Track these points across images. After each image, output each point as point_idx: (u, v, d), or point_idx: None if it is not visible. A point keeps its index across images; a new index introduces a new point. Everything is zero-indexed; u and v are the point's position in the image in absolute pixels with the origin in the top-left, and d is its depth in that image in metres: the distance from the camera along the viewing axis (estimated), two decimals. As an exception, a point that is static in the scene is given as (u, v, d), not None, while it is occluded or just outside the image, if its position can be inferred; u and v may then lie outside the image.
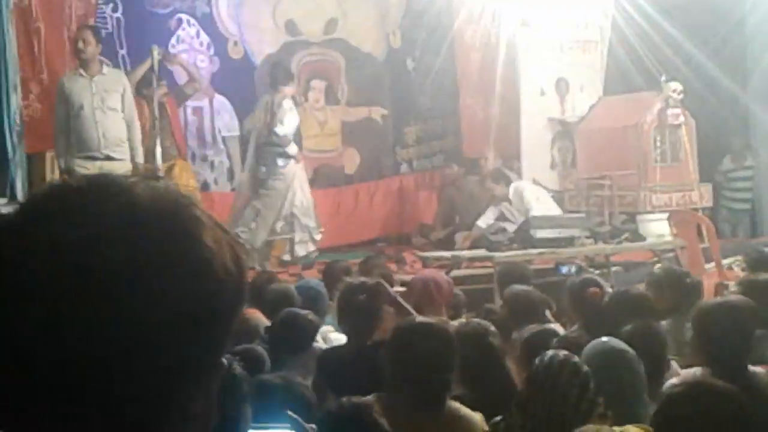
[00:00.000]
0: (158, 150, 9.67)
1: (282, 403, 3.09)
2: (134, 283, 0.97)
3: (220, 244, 1.04)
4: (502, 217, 11.48)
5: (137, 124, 9.51)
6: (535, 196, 11.45)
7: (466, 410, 4.03)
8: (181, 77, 11.49)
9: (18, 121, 9.19)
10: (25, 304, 0.97)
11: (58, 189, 1.06)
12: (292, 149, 10.58)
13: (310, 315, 5.62)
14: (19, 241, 1.00)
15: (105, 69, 9.47)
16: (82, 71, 9.25)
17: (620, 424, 3.72)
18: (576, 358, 3.83)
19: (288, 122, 10.41)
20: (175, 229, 1.02)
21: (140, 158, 9.35)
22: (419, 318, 4.32)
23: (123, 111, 9.29)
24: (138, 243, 0.98)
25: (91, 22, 10.68)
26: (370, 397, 4.03)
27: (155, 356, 0.98)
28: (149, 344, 0.98)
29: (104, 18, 11.47)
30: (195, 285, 1.00)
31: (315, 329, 5.63)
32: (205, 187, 11.94)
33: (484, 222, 11.48)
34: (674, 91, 11.29)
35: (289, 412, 1.74)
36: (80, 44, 9.25)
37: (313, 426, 1.75)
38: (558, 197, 12.17)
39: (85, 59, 9.23)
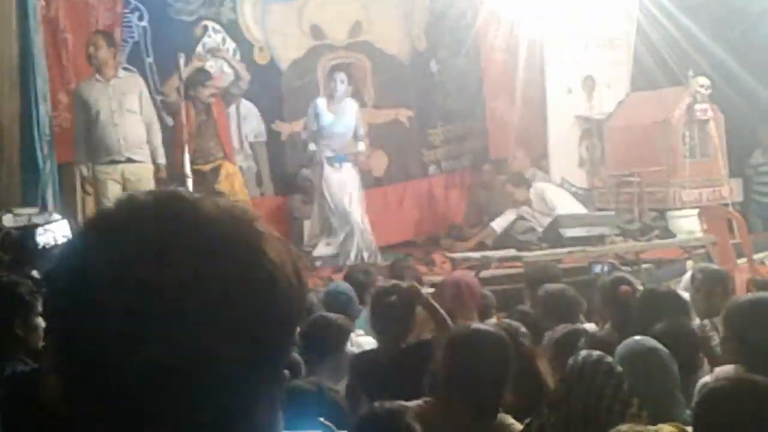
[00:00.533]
0: (186, 156, 9.68)
1: (314, 408, 3.10)
2: (202, 298, 1.00)
3: (282, 258, 1.07)
4: (521, 220, 11.45)
5: (157, 126, 9.59)
6: (558, 196, 11.42)
7: (512, 420, 4.00)
8: (225, 79, 11.60)
9: (48, 131, 9.24)
10: (96, 319, 0.99)
11: (125, 204, 1.08)
12: None
13: (340, 319, 5.63)
14: (90, 257, 1.03)
15: (121, 72, 9.56)
16: (98, 76, 9.33)
17: (653, 423, 3.70)
18: (609, 358, 3.82)
19: None
20: (240, 244, 1.04)
21: (161, 159, 9.43)
22: (477, 325, 4.28)
23: (141, 113, 9.36)
24: (205, 258, 1.01)
25: (117, 31, 10.75)
26: (414, 403, 4.04)
27: (223, 368, 1.01)
28: (217, 357, 1.00)
29: (130, 27, 11.53)
30: (260, 297, 1.03)
31: (346, 333, 5.64)
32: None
33: (498, 225, 11.47)
34: (701, 86, 11.22)
35: (321, 419, 1.75)
36: (91, 49, 9.33)
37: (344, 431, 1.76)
38: (587, 195, 12.14)
39: (98, 64, 9.31)
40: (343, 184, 10.93)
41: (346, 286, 7.10)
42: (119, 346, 0.98)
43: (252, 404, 1.06)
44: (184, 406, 1.00)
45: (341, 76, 11.23)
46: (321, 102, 11.14)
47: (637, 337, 4.37)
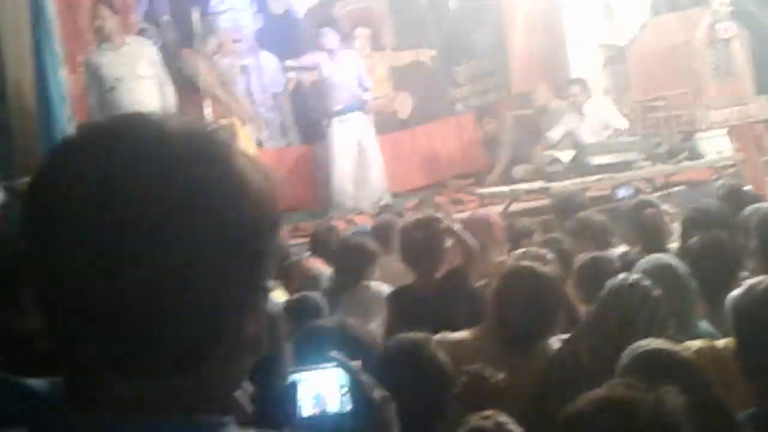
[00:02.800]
0: (207, 110, 9.71)
1: (337, 346, 3.11)
2: (173, 208, 1.00)
3: (252, 168, 1.08)
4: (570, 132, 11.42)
5: (170, 88, 9.60)
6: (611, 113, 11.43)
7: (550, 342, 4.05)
8: (226, 35, 11.58)
9: (66, 95, 9.28)
10: (71, 242, 1.00)
11: (91, 128, 1.09)
12: None
13: (369, 243, 5.73)
14: (60, 179, 1.03)
15: (128, 38, 9.55)
16: (106, 45, 9.33)
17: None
18: (647, 281, 3.81)
19: None
20: (207, 154, 1.05)
21: None
22: (525, 263, 4.31)
23: (154, 77, 9.37)
24: (172, 169, 1.01)
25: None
26: (462, 333, 4.08)
27: (203, 278, 1.01)
28: (197, 266, 1.01)
29: (146, -15, 11.49)
30: (233, 206, 1.04)
31: (375, 256, 5.71)
32: (259, 144, 12.00)
33: (555, 134, 11.46)
34: (722, 4, 11.06)
35: (333, 352, 1.75)
36: (98, 21, 9.33)
37: (358, 362, 1.75)
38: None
39: (107, 34, 9.31)
40: (352, 134, 11.08)
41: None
42: (98, 268, 0.99)
43: (237, 315, 1.06)
44: (169, 322, 1.01)
45: (326, 30, 11.30)
46: (320, 56, 11.20)
47: (653, 255, 4.36)
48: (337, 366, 1.71)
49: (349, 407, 1.67)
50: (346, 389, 1.69)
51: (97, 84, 9.28)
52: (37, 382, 1.06)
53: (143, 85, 9.32)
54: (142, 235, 0.99)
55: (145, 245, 0.99)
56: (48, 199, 1.03)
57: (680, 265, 4.24)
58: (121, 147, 1.02)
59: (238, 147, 1.10)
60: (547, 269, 4.22)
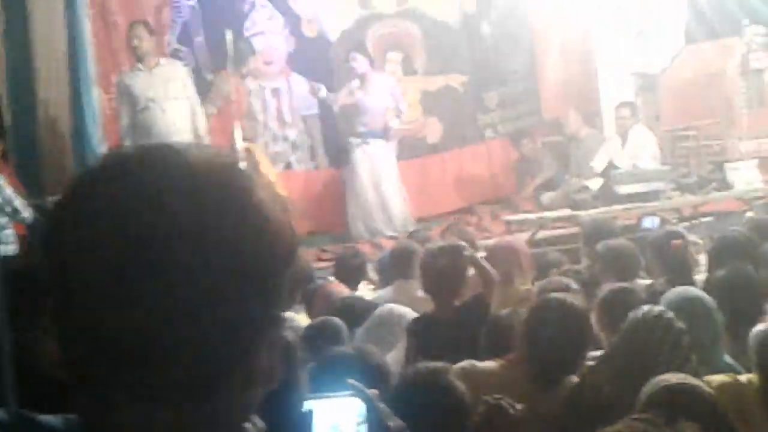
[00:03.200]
0: (237, 131, 9.77)
1: (356, 373, 3.12)
2: (195, 241, 1.01)
3: (271, 199, 1.08)
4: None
5: (201, 111, 9.67)
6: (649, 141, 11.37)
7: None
8: (258, 57, 11.66)
9: (100, 115, 9.36)
10: (91, 269, 1.00)
11: (114, 157, 1.09)
12: None
13: None
14: (83, 206, 1.04)
15: (162, 60, 9.63)
16: (140, 66, 9.41)
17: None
18: (670, 314, 3.79)
19: None
20: (230, 186, 1.05)
21: (206, 142, 9.49)
22: (557, 295, 4.30)
23: (186, 99, 9.45)
24: (195, 201, 1.02)
25: (166, 11, 10.81)
26: (490, 363, 4.07)
27: (219, 311, 1.02)
28: (214, 300, 1.01)
29: (179, 6, 11.58)
30: (253, 239, 1.04)
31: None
32: (287, 166, 12.05)
33: (598, 164, 11.42)
34: (756, 34, 11.03)
35: (351, 380, 1.75)
36: (135, 41, 9.42)
37: (375, 391, 1.76)
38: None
39: (142, 55, 9.40)
40: (374, 159, 11.08)
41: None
42: (115, 297, 1.00)
43: (252, 347, 1.07)
44: (182, 355, 1.01)
45: (354, 54, 11.31)
46: (353, 83, 11.26)
47: (681, 287, 4.34)
48: (354, 395, 1.71)
49: None
50: (362, 419, 1.70)
51: (129, 104, 9.36)
52: (51, 419, 1.08)
53: (175, 107, 9.39)
54: (160, 265, 1.00)
55: (163, 276, 1.00)
56: (70, 225, 1.04)
57: (708, 299, 4.21)
58: (144, 177, 1.03)
59: (259, 177, 1.10)
60: (576, 302, 4.20)
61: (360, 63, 11.23)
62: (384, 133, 11.25)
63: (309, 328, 4.86)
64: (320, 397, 1.74)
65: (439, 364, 3.46)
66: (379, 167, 11.08)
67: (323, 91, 12.05)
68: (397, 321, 5.35)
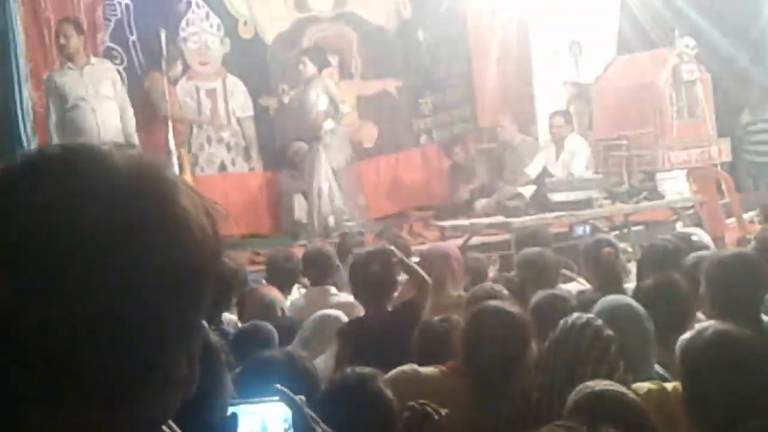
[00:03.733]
0: (170, 133, 9.70)
1: (284, 377, 3.10)
2: (114, 246, 0.98)
3: (195, 207, 1.06)
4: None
5: (131, 111, 9.58)
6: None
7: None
8: (193, 58, 11.58)
9: (31, 112, 9.22)
10: (6, 271, 0.98)
11: (34, 158, 1.06)
12: None
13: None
14: None
15: (92, 59, 9.53)
16: (70, 65, 9.30)
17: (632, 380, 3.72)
18: (599, 321, 3.82)
19: None
20: (152, 193, 1.03)
21: (135, 141, 9.40)
22: (498, 303, 4.28)
23: (115, 99, 9.36)
24: (116, 206, 1.00)
25: (100, 9, 10.68)
26: (429, 369, 4.06)
27: (137, 318, 1.00)
28: (131, 306, 0.99)
29: (113, 5, 11.45)
30: (173, 246, 1.02)
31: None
32: (222, 167, 11.98)
33: (533, 170, 11.50)
34: (687, 46, 11.18)
35: (277, 385, 1.74)
36: (62, 40, 9.31)
37: (302, 397, 1.75)
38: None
39: (71, 53, 9.29)
40: (316, 162, 10.99)
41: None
42: (32, 305, 0.97)
43: (171, 356, 1.05)
44: (100, 360, 0.99)
45: (304, 59, 11.23)
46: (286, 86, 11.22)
47: (613, 296, 4.38)
48: (281, 400, 1.70)
49: None
50: (289, 424, 1.68)
51: (58, 103, 9.23)
52: None
53: (105, 107, 9.28)
54: (76, 268, 0.97)
55: (79, 279, 0.98)
56: None
57: (638, 307, 4.25)
58: (62, 180, 1.01)
59: (183, 183, 1.08)
60: (515, 309, 4.20)
61: (309, 68, 11.11)
62: (322, 136, 11.10)
63: (240, 332, 4.83)
64: (246, 402, 1.73)
65: (368, 369, 3.44)
66: (324, 168, 10.96)
67: (264, 98, 12.02)
68: (333, 326, 5.34)
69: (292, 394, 1.73)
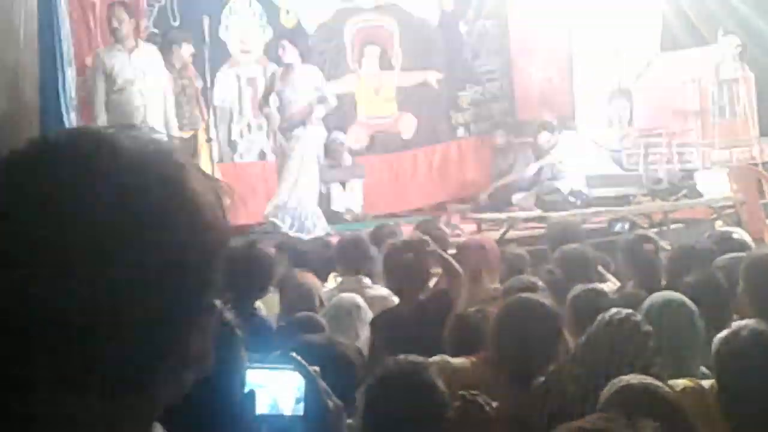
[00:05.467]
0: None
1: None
2: (124, 229, 0.99)
3: (204, 187, 1.07)
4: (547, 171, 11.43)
5: (172, 99, 9.62)
6: (589, 154, 11.41)
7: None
8: (235, 46, 11.61)
9: (74, 96, 9.29)
10: (19, 255, 0.98)
11: (41, 142, 1.06)
12: None
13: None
14: (7, 193, 1.01)
15: (140, 43, 9.59)
16: (119, 47, 9.37)
17: (675, 377, 3.71)
18: (638, 317, 3.81)
19: None
20: (161, 175, 1.03)
21: (174, 130, 9.46)
22: (528, 295, 4.29)
23: (159, 84, 9.41)
24: (125, 189, 1.00)
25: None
26: (460, 359, 4.07)
27: (151, 299, 1.00)
28: (144, 287, 1.00)
29: (157, -10, 11.53)
30: (184, 227, 1.03)
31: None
32: (261, 155, 12.00)
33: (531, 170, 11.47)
34: (731, 45, 11.10)
35: (292, 354, 1.75)
36: (114, 23, 9.36)
37: (317, 368, 1.76)
38: (615, 156, 12.07)
39: (122, 37, 9.35)
40: (295, 152, 10.39)
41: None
42: (43, 292, 0.98)
43: (184, 337, 1.06)
44: (114, 345, 1.00)
45: (284, 42, 10.60)
46: (276, 71, 10.71)
47: (664, 292, 4.36)
48: (294, 369, 1.72)
49: (302, 411, 1.68)
50: (301, 393, 1.70)
51: (105, 82, 9.29)
52: None
53: (150, 91, 9.35)
54: (86, 252, 0.98)
55: (89, 262, 0.98)
56: None
57: (691, 305, 4.22)
58: (69, 164, 1.02)
59: (193, 165, 1.09)
60: (547, 302, 4.20)
61: (288, 53, 10.53)
62: (305, 126, 10.48)
63: (293, 322, 4.83)
64: (261, 367, 1.75)
65: (419, 359, 3.44)
66: (299, 159, 10.40)
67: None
68: (350, 311, 5.36)
69: (306, 364, 1.74)
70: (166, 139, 1.09)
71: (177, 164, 1.06)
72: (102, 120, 9.23)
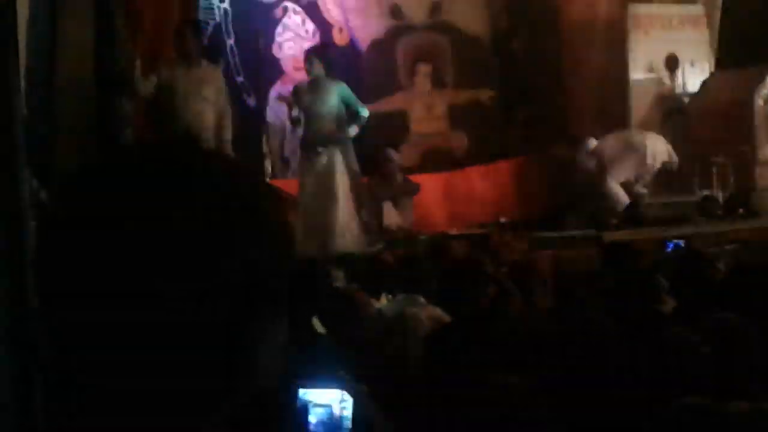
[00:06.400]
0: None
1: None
2: (200, 244, 1.00)
3: (280, 211, 1.10)
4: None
5: (230, 114, 9.64)
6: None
7: None
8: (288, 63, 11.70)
9: (129, 109, 9.40)
10: (92, 262, 0.99)
11: (127, 153, 1.10)
12: None
13: None
14: (92, 208, 1.02)
15: (203, 62, 9.68)
16: (181, 61, 9.48)
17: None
18: (697, 338, 3.78)
19: None
20: (233, 191, 1.05)
21: (229, 150, 9.49)
22: (589, 315, 4.28)
23: (216, 104, 9.48)
24: (196, 204, 1.02)
25: (196, 13, 10.79)
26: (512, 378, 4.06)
27: (216, 314, 1.01)
28: (221, 297, 1.01)
29: (212, 9, 11.64)
30: (263, 245, 1.05)
31: None
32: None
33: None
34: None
35: (340, 372, 1.78)
36: (181, 40, 9.46)
37: (365, 387, 1.78)
38: (670, 174, 11.96)
39: (184, 53, 9.45)
40: (325, 170, 10.28)
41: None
42: (123, 302, 0.99)
43: (255, 341, 1.06)
44: (189, 346, 1.01)
45: (313, 58, 10.37)
46: (301, 85, 10.56)
47: (723, 313, 4.31)
48: (344, 387, 1.73)
49: (350, 428, 1.69)
50: (349, 411, 1.71)
51: (164, 97, 9.39)
52: None
53: (204, 107, 9.43)
54: (162, 267, 0.99)
55: (165, 277, 0.99)
56: (73, 221, 1.02)
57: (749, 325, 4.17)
58: (161, 175, 1.03)
59: (270, 188, 1.12)
60: (606, 322, 4.17)
61: (315, 67, 10.28)
62: (340, 140, 10.45)
63: (344, 338, 4.85)
64: (313, 387, 1.77)
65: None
66: (330, 178, 10.30)
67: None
68: (402, 328, 5.36)
69: (354, 384, 1.75)
70: (248, 164, 1.10)
71: (257, 187, 1.09)
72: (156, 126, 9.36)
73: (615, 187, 11.37)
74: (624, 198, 11.17)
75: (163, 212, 1.00)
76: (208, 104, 9.45)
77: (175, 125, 9.18)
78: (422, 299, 6.24)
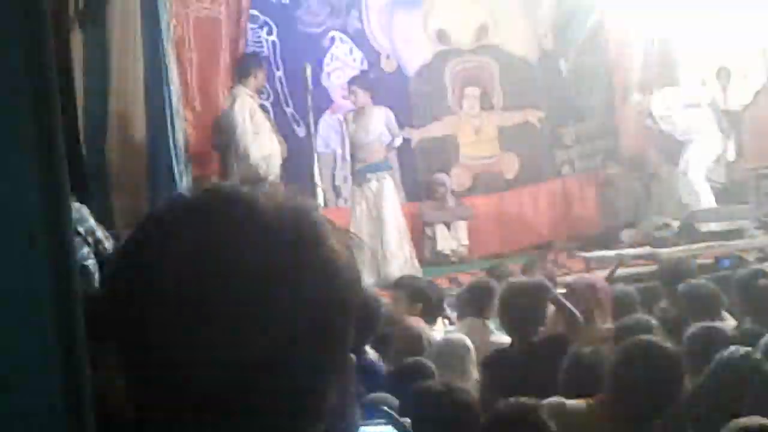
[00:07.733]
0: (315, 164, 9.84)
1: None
2: (266, 292, 1.00)
3: (339, 245, 1.07)
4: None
5: (278, 146, 9.80)
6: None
7: None
8: (337, 92, 11.73)
9: (183, 148, 9.47)
10: (162, 322, 1.00)
11: (177, 205, 1.08)
12: None
13: None
14: (150, 252, 1.03)
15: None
16: (250, 93, 9.63)
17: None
18: (758, 355, 3.73)
19: None
20: (300, 235, 1.04)
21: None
22: (649, 337, 4.23)
23: (268, 132, 9.62)
24: (265, 252, 1.01)
25: (242, 43, 10.87)
26: (577, 401, 4.02)
27: (292, 358, 1.01)
28: (286, 348, 1.00)
29: (260, 41, 11.72)
30: (323, 286, 1.03)
31: None
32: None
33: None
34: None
35: (385, 408, 1.76)
36: (251, 78, 9.68)
37: (408, 420, 1.77)
38: (725, 188, 11.83)
39: (254, 87, 9.65)
40: (375, 197, 10.52)
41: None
42: (192, 347, 0.99)
43: (323, 392, 1.06)
44: (256, 399, 1.01)
45: (353, 87, 10.71)
46: (347, 115, 10.89)
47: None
48: (387, 423, 1.72)
49: None
50: None
51: (230, 127, 9.52)
52: None
53: (270, 142, 9.60)
54: (226, 315, 0.99)
55: (233, 325, 0.99)
56: (137, 269, 1.03)
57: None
58: (211, 226, 1.02)
59: (328, 221, 1.09)
60: (668, 344, 4.12)
61: (360, 97, 10.60)
62: (388, 166, 10.83)
63: (402, 367, 4.85)
64: (364, 424, 1.76)
65: (530, 400, 3.42)
66: (381, 204, 10.52)
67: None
68: (459, 353, 5.34)
69: (399, 418, 1.74)
70: (302, 197, 1.09)
71: (314, 223, 1.06)
72: (229, 164, 9.45)
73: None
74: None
75: (244, 264, 1.00)
76: (264, 135, 9.59)
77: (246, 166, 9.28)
78: (491, 325, 6.24)
